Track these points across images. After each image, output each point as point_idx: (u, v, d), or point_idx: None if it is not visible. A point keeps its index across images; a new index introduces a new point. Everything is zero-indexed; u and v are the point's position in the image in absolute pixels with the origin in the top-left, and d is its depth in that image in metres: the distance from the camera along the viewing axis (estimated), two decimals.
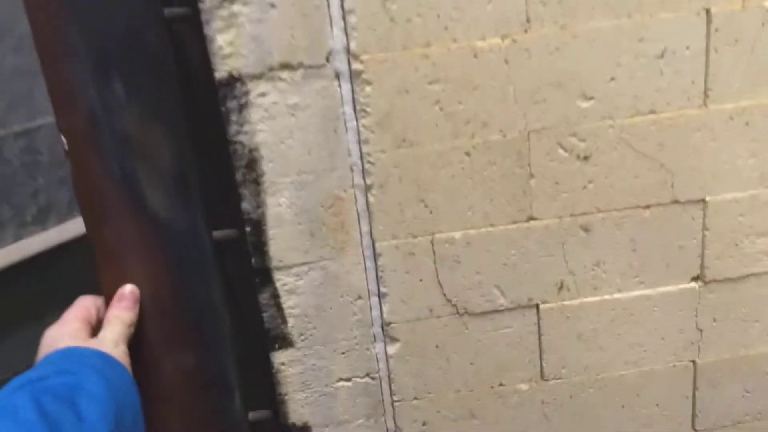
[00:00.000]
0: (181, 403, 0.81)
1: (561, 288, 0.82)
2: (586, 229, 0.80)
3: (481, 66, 0.73)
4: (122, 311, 0.71)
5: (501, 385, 0.86)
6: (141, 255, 0.77)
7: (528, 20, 0.72)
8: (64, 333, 0.65)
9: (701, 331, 0.88)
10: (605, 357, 0.86)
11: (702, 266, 0.85)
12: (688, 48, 0.76)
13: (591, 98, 0.75)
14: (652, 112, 0.77)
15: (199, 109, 0.73)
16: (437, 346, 0.83)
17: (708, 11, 0.74)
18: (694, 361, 0.89)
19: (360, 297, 0.81)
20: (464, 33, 0.72)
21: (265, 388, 0.87)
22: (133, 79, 0.70)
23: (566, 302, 0.83)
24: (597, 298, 0.83)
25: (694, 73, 0.77)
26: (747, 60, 0.76)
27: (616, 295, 0.84)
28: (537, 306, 0.83)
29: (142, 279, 0.77)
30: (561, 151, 0.77)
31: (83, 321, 0.69)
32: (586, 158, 0.77)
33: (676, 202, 0.81)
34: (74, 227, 1.41)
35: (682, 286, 0.85)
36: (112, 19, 0.68)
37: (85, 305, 0.71)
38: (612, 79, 0.75)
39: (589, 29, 0.73)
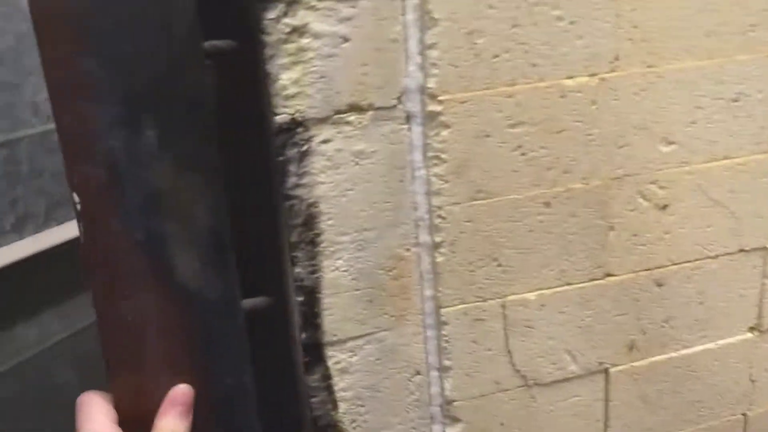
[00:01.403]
0: None
1: (631, 348, 0.75)
2: (659, 284, 0.74)
3: (568, 107, 0.65)
4: (176, 420, 0.56)
5: None
6: (162, 333, 0.61)
7: (617, 58, 0.65)
8: None
9: (753, 382, 0.84)
10: (667, 417, 0.80)
11: (759, 315, 0.81)
12: (760, 92, 0.72)
13: (672, 143, 0.69)
14: (726, 157, 0.72)
15: (240, 158, 0.60)
16: (502, 424, 0.73)
17: None
18: (745, 414, 0.85)
19: (418, 372, 0.69)
20: (552, 70, 0.63)
21: None
22: (168, 123, 0.56)
23: (635, 363, 0.76)
24: (664, 357, 0.77)
25: (764, 117, 0.73)
26: None
27: (682, 352, 0.78)
28: (606, 370, 0.75)
29: (161, 361, 0.62)
30: (641, 200, 0.70)
31: (112, 421, 0.56)
32: (664, 207, 0.71)
33: (741, 250, 0.77)
34: (49, 238, 1.43)
35: (739, 337, 0.81)
36: (144, 53, 0.53)
37: (99, 401, 0.57)
38: (692, 122, 0.70)
39: (674, 69, 0.67)
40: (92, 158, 0.55)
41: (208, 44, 0.57)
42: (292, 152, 0.58)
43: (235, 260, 0.62)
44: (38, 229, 1.40)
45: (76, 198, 0.56)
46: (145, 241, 0.58)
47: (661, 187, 0.70)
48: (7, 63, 1.33)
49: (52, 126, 1.51)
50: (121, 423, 0.60)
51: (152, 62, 0.54)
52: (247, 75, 0.62)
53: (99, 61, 0.53)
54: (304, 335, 0.64)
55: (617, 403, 0.77)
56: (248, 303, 0.67)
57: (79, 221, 0.58)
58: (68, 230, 1.39)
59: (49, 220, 1.42)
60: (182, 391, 0.57)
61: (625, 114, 0.67)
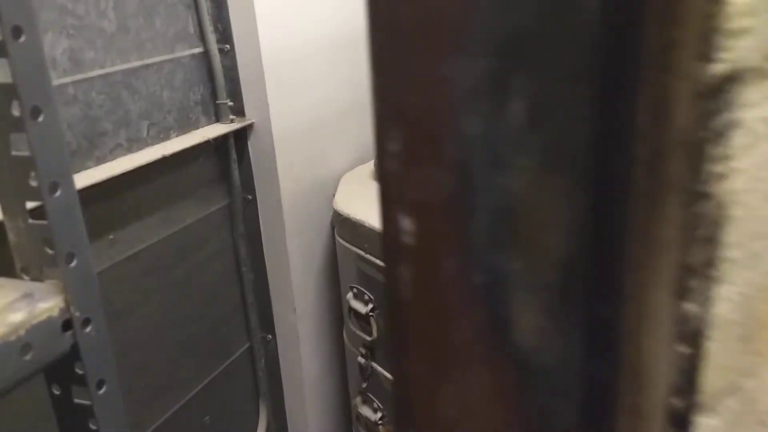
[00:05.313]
0: None
1: None
2: None
3: None
4: None
5: None
6: (490, 419, 0.41)
7: None
8: None
9: None
10: None
11: None
12: None
13: None
14: None
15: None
16: None
17: None
18: None
19: (763, 423, 0.57)
20: None
21: None
22: (548, 85, 0.34)
23: None
24: None
25: None
26: None
27: None
28: None
29: None
30: None
31: None
32: None
33: None
34: None
35: None
36: None
37: None
38: None
39: None
40: (443, 154, 0.35)
41: None
42: (717, 124, 0.43)
43: (584, 308, 0.40)
44: None
45: (409, 226, 0.36)
46: (484, 287, 0.38)
47: None
48: None
49: (69, 79, 1.34)
50: None
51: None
52: None
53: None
54: (676, 401, 0.49)
55: None
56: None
57: (404, 267, 0.38)
58: (85, 178, 1.36)
59: None
60: None
61: None
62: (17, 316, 0.64)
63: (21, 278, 0.71)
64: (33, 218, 0.67)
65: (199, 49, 1.71)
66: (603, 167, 0.37)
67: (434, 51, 0.32)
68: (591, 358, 0.41)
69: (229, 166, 1.83)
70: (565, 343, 0.40)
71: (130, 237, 1.54)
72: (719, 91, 0.39)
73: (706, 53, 0.36)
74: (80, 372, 0.70)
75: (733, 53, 0.38)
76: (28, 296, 0.67)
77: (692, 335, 0.45)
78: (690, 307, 0.44)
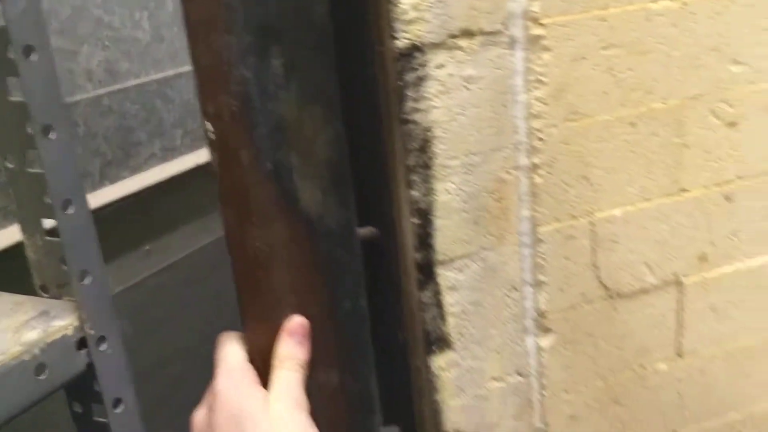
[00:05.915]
0: (324, 428, 0.70)
1: (702, 260, 0.81)
2: (728, 199, 0.79)
3: (652, 30, 0.69)
4: (295, 348, 0.61)
5: (642, 367, 0.83)
6: (289, 262, 0.65)
7: None
8: (240, 394, 0.59)
9: None
10: (734, 327, 0.86)
11: None
12: None
13: (741, 63, 0.75)
14: None
15: (353, 86, 0.64)
16: (589, 334, 0.78)
17: None
18: None
19: (515, 288, 0.74)
20: None
21: (398, 401, 0.77)
22: (294, 53, 0.59)
23: (706, 274, 0.82)
24: (732, 268, 0.83)
25: None
26: None
27: (749, 263, 0.84)
28: (679, 281, 0.81)
29: (288, 290, 0.66)
30: (712, 118, 0.75)
31: (250, 370, 0.60)
32: (733, 125, 0.76)
33: None
34: (103, 196, 1.41)
35: None
36: None
37: (236, 346, 0.63)
38: (759, 43, 0.75)
39: None
40: (226, 88, 0.57)
41: None
42: (410, 77, 0.62)
43: (352, 191, 0.66)
44: (94, 188, 1.38)
45: (210, 127, 0.59)
46: (272, 172, 0.61)
47: (731, 106, 0.76)
48: (66, 32, 1.32)
49: (104, 91, 1.47)
50: (251, 346, 0.64)
51: None
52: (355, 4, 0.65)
53: None
54: (418, 255, 0.68)
55: (689, 312, 0.83)
56: (363, 232, 0.71)
57: (212, 151, 0.60)
58: (120, 189, 1.39)
59: (103, 179, 1.42)
60: (298, 322, 0.61)
61: (701, 36, 0.72)
62: (32, 335, 0.63)
63: (40, 296, 0.70)
64: (50, 236, 0.67)
65: None
66: (352, 102, 0.60)
67: (213, 31, 0.54)
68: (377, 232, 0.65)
69: None
70: (343, 215, 0.61)
71: (165, 247, 1.55)
72: (408, 57, 0.62)
73: (392, 34, 0.60)
74: (98, 390, 0.69)
75: (410, 34, 0.61)
76: (44, 314, 0.66)
77: (419, 213, 0.66)
78: (414, 194, 0.65)
